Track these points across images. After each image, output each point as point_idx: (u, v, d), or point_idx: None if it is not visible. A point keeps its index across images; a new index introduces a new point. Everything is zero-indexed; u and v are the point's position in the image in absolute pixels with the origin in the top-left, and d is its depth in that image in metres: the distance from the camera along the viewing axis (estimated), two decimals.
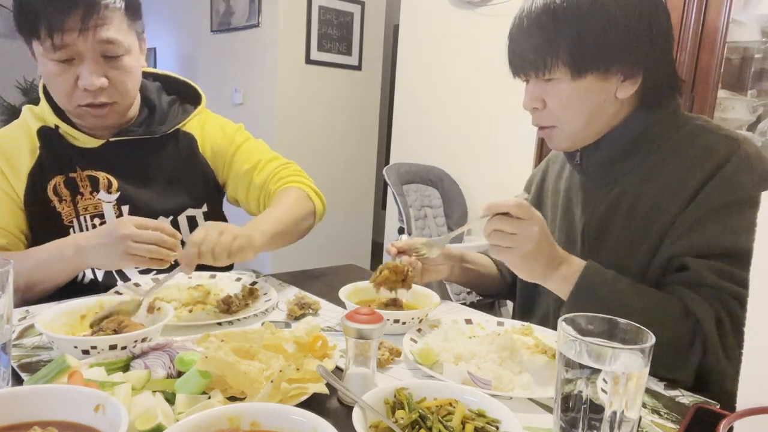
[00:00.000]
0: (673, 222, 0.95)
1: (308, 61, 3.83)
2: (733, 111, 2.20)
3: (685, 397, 0.85)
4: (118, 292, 1.09)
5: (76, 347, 0.80)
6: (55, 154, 1.18)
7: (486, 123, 2.96)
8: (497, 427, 0.67)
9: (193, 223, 1.31)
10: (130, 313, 0.94)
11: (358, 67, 4.10)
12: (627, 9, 0.94)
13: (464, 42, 3.01)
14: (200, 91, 1.38)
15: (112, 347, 0.81)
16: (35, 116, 1.21)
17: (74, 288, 1.15)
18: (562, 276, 0.94)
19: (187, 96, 1.37)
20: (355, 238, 4.32)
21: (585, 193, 1.11)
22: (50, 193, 1.17)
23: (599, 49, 0.95)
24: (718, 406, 0.82)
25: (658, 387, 0.88)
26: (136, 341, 0.82)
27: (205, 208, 1.33)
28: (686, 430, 0.74)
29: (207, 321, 1.01)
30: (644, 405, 0.81)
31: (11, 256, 1.10)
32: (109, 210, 1.21)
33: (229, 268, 1.38)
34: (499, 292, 1.34)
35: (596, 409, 0.62)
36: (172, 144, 1.29)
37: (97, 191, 1.21)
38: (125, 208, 1.23)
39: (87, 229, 1.19)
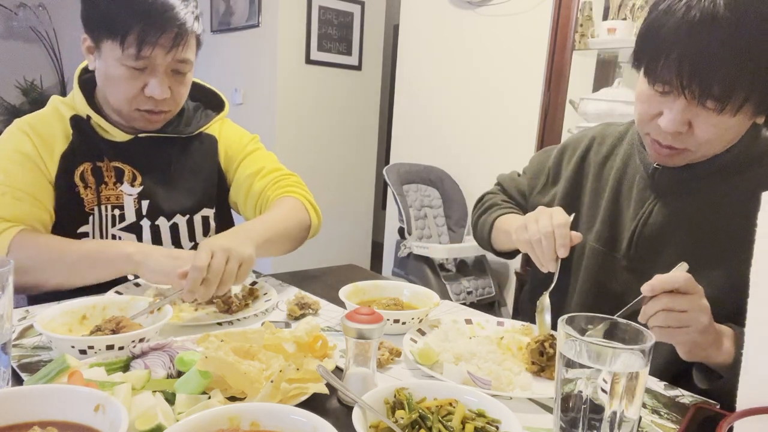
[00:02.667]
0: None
1: (308, 61, 3.83)
2: None
3: (685, 397, 0.85)
4: (118, 292, 1.09)
5: (73, 347, 0.80)
6: (86, 142, 1.21)
7: (486, 123, 2.96)
8: (497, 427, 0.67)
9: (206, 223, 1.34)
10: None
11: (358, 67, 4.09)
12: None
13: (464, 42, 3.01)
14: (224, 98, 1.43)
15: (110, 347, 0.81)
16: (66, 105, 1.23)
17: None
18: (727, 351, 0.83)
19: (209, 103, 1.41)
20: (355, 238, 4.32)
21: (642, 193, 1.03)
22: (77, 178, 1.20)
23: None
24: (718, 406, 0.82)
25: (658, 387, 0.88)
26: (134, 341, 0.81)
27: (215, 209, 1.36)
28: (686, 430, 0.74)
29: (207, 321, 1.01)
30: (644, 405, 0.81)
31: (61, 246, 1.10)
32: (129, 203, 1.24)
33: None
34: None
35: (596, 409, 0.62)
36: (195, 145, 1.34)
37: (121, 183, 1.23)
38: (145, 203, 1.25)
39: (106, 218, 1.22)
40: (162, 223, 1.27)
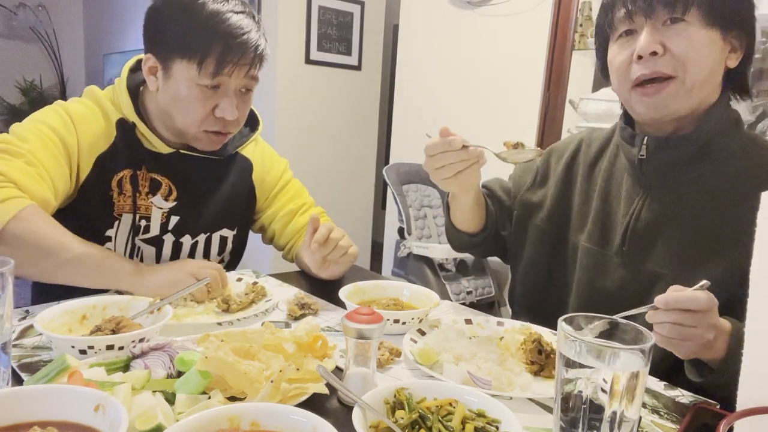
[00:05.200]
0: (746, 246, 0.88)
1: (308, 61, 3.83)
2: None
3: (685, 397, 0.85)
4: (118, 292, 1.09)
5: (73, 347, 0.80)
6: (128, 148, 1.19)
7: (486, 123, 2.96)
8: (497, 427, 0.67)
9: (223, 243, 1.34)
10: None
11: (358, 67, 4.09)
12: None
13: (464, 42, 3.01)
14: (258, 116, 1.41)
15: (110, 347, 0.81)
16: (112, 105, 1.20)
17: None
18: (718, 349, 0.83)
19: None
20: (354, 237, 4.27)
21: (632, 190, 1.05)
22: (114, 184, 1.18)
23: (735, 5, 0.93)
24: (718, 406, 0.82)
25: (658, 387, 0.88)
26: (134, 341, 0.81)
27: (236, 231, 1.36)
28: (686, 430, 0.74)
29: (207, 321, 1.01)
30: (644, 405, 0.81)
31: (60, 238, 1.03)
32: (156, 216, 1.22)
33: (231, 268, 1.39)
34: (472, 226, 1.21)
35: (596, 409, 0.62)
36: (230, 166, 1.33)
37: (154, 195, 1.22)
38: (174, 219, 1.24)
39: (132, 226, 1.20)
40: (186, 240, 1.27)
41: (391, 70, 3.88)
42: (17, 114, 5.07)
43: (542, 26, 2.66)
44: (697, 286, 0.78)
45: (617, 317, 0.80)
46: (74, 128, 1.14)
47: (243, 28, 1.11)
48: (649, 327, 0.73)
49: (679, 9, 0.91)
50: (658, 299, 0.77)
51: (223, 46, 1.09)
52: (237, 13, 1.11)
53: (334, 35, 3.91)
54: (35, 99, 5.17)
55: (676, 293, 0.77)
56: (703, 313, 0.77)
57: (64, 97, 5.31)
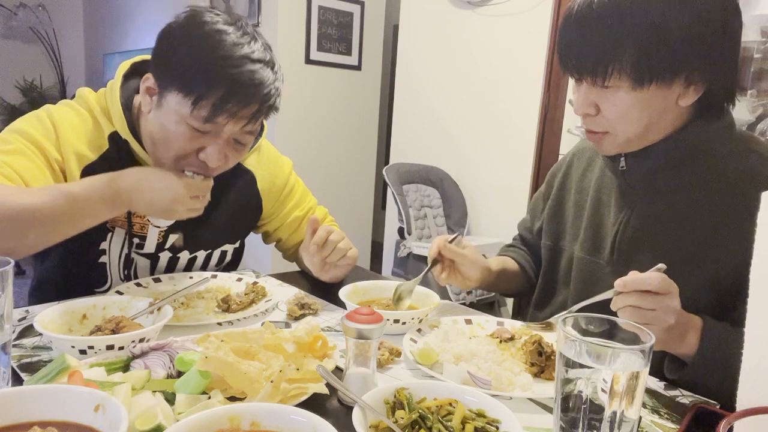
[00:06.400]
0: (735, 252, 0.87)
1: (308, 61, 3.83)
2: (732, 111, 2.20)
3: (685, 397, 0.85)
4: (118, 292, 1.09)
5: (73, 347, 0.80)
6: (121, 163, 1.10)
7: (486, 123, 2.96)
8: (497, 427, 0.67)
9: (223, 257, 1.32)
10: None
11: (358, 67, 4.09)
12: (700, 11, 0.85)
13: (464, 42, 3.01)
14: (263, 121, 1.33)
15: (110, 347, 0.81)
16: (107, 118, 1.12)
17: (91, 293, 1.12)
18: (690, 344, 0.86)
19: None
20: (354, 238, 4.28)
21: (620, 198, 1.05)
22: None
23: (667, 59, 0.86)
24: (718, 406, 0.82)
25: (658, 387, 0.88)
26: (134, 341, 0.81)
27: (237, 244, 1.34)
28: (686, 430, 0.74)
29: (207, 321, 1.01)
30: (644, 405, 0.81)
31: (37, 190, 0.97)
32: (153, 234, 1.18)
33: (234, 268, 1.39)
34: (524, 289, 1.31)
35: (596, 409, 0.62)
36: (231, 180, 1.26)
37: None
38: (172, 237, 1.20)
39: (126, 240, 1.16)
40: (183, 256, 1.24)
41: (391, 70, 3.88)
42: (17, 114, 5.06)
43: (542, 26, 2.66)
44: (654, 268, 0.82)
45: (582, 304, 0.86)
46: (56, 136, 1.06)
47: (254, 78, 1.00)
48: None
49: (600, 79, 0.90)
50: (617, 281, 0.82)
51: (225, 92, 0.98)
52: (254, 61, 1.00)
53: (334, 35, 3.91)
54: (35, 99, 5.18)
55: (632, 275, 0.82)
56: (661, 295, 0.80)
57: (64, 98, 5.32)
